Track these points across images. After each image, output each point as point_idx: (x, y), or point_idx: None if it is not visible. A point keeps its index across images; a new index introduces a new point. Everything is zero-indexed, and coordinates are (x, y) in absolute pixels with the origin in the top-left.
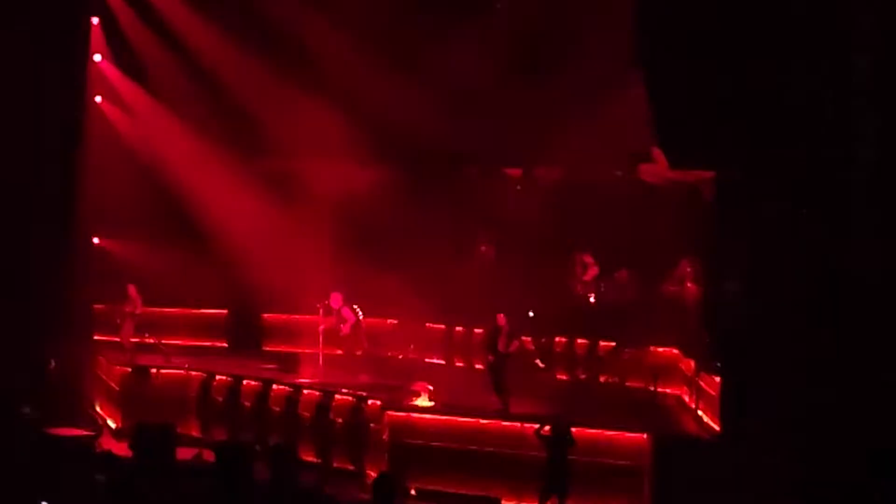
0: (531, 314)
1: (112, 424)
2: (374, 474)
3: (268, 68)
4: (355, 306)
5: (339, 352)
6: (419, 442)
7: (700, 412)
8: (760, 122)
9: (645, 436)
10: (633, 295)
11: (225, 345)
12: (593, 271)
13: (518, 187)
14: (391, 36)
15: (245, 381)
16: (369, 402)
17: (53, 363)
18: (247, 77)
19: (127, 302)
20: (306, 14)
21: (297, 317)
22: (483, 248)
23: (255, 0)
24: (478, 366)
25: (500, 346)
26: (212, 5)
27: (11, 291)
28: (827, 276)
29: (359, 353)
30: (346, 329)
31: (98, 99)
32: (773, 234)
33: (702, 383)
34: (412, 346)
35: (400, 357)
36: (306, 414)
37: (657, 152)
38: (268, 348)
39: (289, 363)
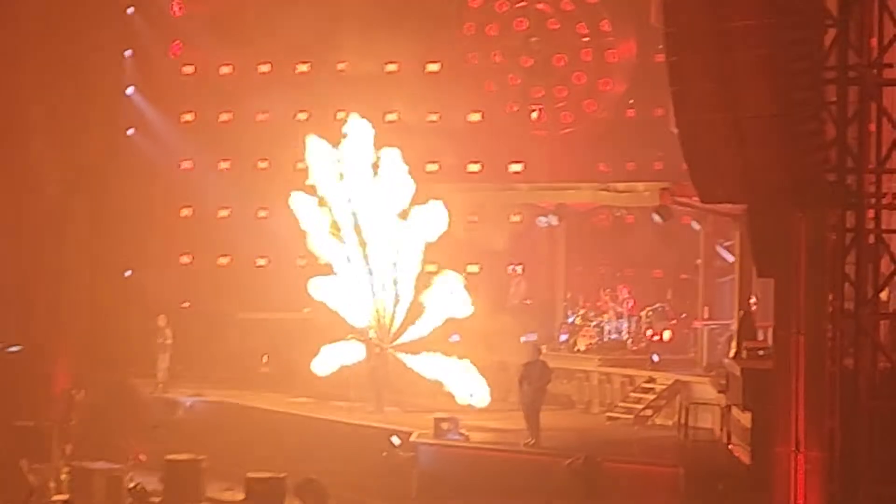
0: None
1: (143, 458)
2: None
3: None
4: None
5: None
6: (450, 475)
7: (731, 446)
8: None
9: (677, 470)
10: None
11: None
12: (631, 304)
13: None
14: None
15: (278, 414)
16: (400, 435)
17: (82, 394)
18: None
19: (158, 333)
20: None
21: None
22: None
23: None
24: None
25: (534, 380)
26: None
27: (43, 324)
28: None
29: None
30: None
31: (130, 132)
32: None
33: (733, 417)
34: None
35: None
36: (338, 447)
37: None
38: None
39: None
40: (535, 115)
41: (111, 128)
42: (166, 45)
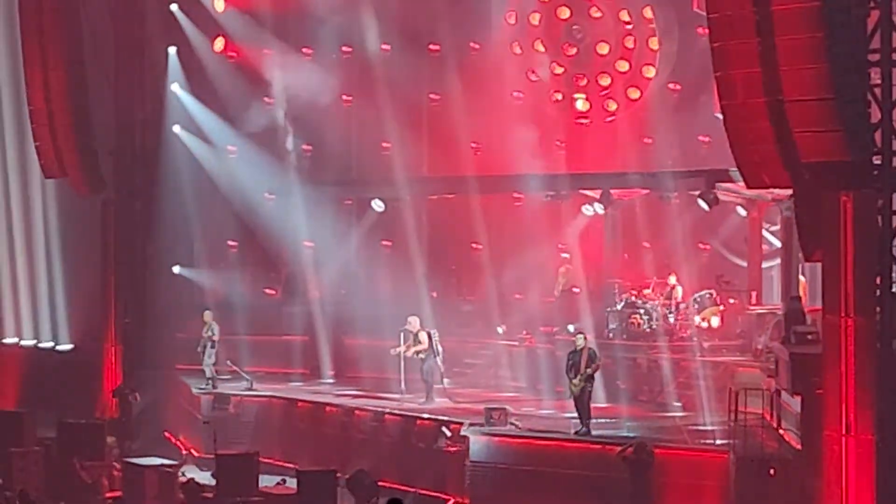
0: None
1: (195, 453)
2: (456, 499)
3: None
4: (432, 331)
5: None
6: (501, 465)
7: (781, 431)
8: None
9: (728, 455)
10: None
11: (306, 371)
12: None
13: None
14: None
15: (327, 408)
16: (451, 425)
17: (137, 397)
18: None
19: (205, 329)
20: None
21: (377, 342)
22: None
23: None
24: (558, 388)
25: (582, 368)
26: None
27: (95, 323)
28: None
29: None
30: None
31: (176, 128)
32: None
33: (783, 402)
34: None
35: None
36: (388, 439)
37: None
38: (349, 374)
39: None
40: (580, 103)
41: (157, 124)
42: (210, 40)
